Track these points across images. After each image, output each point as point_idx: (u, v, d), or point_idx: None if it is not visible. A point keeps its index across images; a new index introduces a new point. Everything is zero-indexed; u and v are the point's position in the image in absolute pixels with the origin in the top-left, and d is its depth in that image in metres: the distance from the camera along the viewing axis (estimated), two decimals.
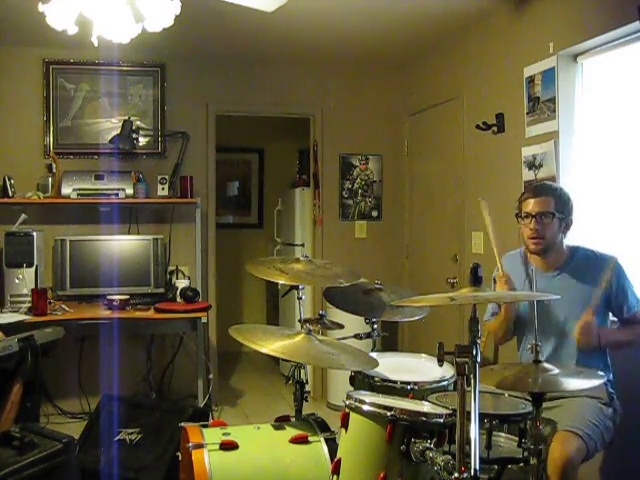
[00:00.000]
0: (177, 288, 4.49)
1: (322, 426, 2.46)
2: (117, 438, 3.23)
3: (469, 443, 1.70)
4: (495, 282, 2.75)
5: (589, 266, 2.65)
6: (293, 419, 2.59)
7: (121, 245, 4.65)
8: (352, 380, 2.77)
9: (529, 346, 2.18)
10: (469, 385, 1.75)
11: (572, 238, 2.85)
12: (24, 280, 4.21)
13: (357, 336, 3.06)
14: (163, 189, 4.69)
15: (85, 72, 4.78)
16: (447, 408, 2.08)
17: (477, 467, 1.67)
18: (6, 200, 4.39)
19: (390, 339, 4.63)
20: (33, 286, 4.05)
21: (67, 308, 4.16)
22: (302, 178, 5.95)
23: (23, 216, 4.32)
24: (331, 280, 2.86)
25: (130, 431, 3.25)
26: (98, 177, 4.56)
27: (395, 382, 2.55)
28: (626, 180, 3.17)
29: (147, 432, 3.24)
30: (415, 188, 5.19)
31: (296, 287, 2.83)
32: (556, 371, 2.09)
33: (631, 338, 2.61)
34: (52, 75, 4.72)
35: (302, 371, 2.70)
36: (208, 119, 5.03)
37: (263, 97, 5.13)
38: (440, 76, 4.74)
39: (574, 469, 2.24)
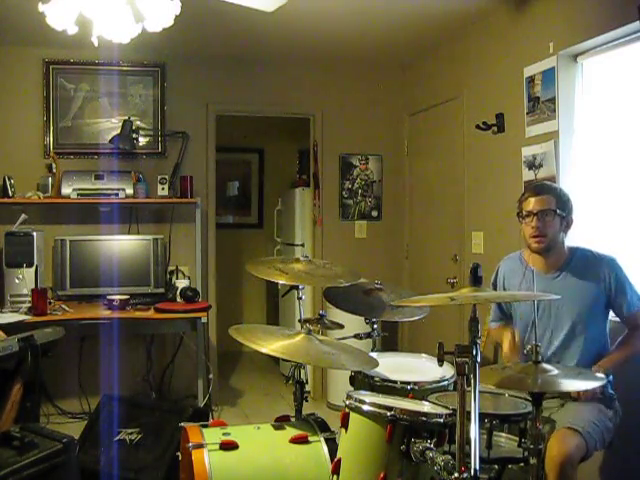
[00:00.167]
0: (177, 288, 4.49)
1: (322, 426, 2.46)
2: (117, 438, 3.23)
3: (469, 443, 1.70)
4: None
5: (588, 266, 2.65)
6: (293, 419, 2.59)
7: (121, 245, 4.65)
8: (352, 380, 2.78)
9: (529, 347, 2.18)
10: (469, 385, 1.75)
11: (572, 238, 2.85)
12: (24, 280, 4.21)
13: (357, 336, 3.07)
14: (163, 189, 4.69)
15: (85, 72, 4.78)
16: (447, 408, 2.08)
17: (477, 467, 1.67)
18: (6, 200, 4.39)
19: (390, 339, 4.63)
20: (33, 286, 4.05)
21: (67, 308, 4.16)
22: (302, 178, 5.96)
23: (23, 216, 4.32)
24: (331, 280, 2.86)
25: (130, 431, 3.25)
26: (98, 177, 4.56)
27: (395, 382, 2.55)
28: (626, 180, 3.17)
29: (147, 432, 3.23)
30: (415, 188, 5.19)
31: (296, 287, 2.83)
32: (556, 372, 2.09)
33: (632, 351, 2.61)
34: (52, 75, 4.72)
35: (302, 371, 2.70)
36: (208, 119, 5.03)
37: (263, 97, 5.13)
38: (440, 76, 4.74)
39: (573, 467, 2.23)
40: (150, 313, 4.20)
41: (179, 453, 2.47)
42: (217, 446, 2.27)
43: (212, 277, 5.05)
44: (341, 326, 3.15)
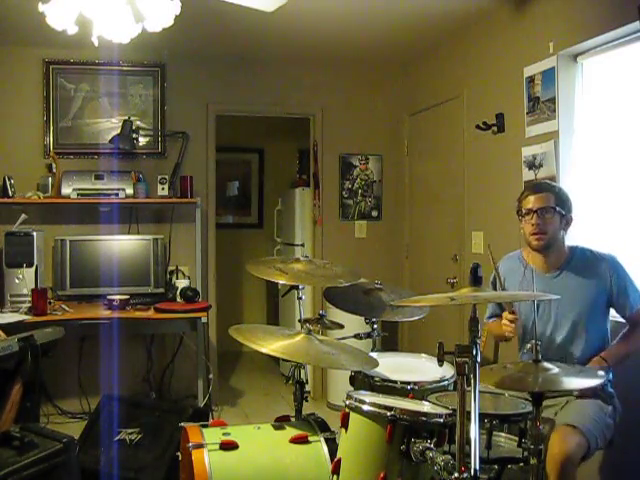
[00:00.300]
0: (177, 288, 4.49)
1: (322, 426, 2.46)
2: (117, 438, 3.23)
3: (469, 443, 1.69)
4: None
5: (588, 265, 2.65)
6: (293, 419, 2.59)
7: (121, 245, 4.65)
8: (352, 380, 2.78)
9: (529, 346, 2.18)
10: (469, 385, 1.75)
11: (572, 237, 2.85)
12: (24, 280, 4.21)
13: (357, 336, 3.06)
14: (163, 189, 4.69)
15: (85, 72, 4.78)
16: (447, 408, 2.08)
17: (477, 467, 1.67)
18: (6, 200, 4.39)
19: (390, 339, 4.63)
20: (33, 286, 4.05)
21: (67, 308, 4.16)
22: (302, 178, 5.96)
23: (23, 216, 4.32)
24: (331, 280, 2.86)
25: (130, 431, 3.25)
26: (98, 177, 4.56)
27: (395, 382, 2.55)
28: (626, 180, 3.17)
29: (147, 432, 3.23)
30: (415, 188, 5.19)
31: (296, 287, 2.83)
32: (556, 370, 2.09)
33: (635, 348, 2.61)
34: (52, 75, 4.72)
35: (302, 371, 2.70)
36: (208, 119, 5.03)
37: (263, 97, 5.13)
38: (440, 76, 4.74)
39: (574, 465, 2.23)
40: (150, 313, 4.20)
41: (179, 453, 2.47)
42: (217, 446, 2.27)
43: (212, 277, 5.05)
44: (341, 326, 3.15)
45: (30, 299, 4.05)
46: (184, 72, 4.97)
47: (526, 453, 2.02)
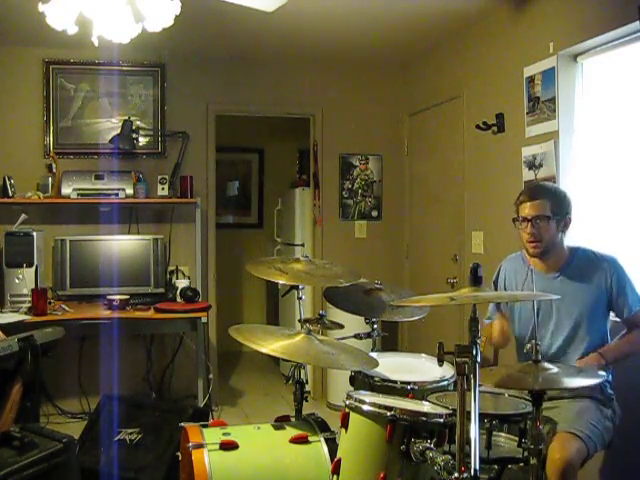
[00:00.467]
0: (177, 288, 4.49)
1: (322, 426, 2.46)
2: (117, 438, 3.23)
3: (469, 443, 1.70)
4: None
5: (589, 266, 2.65)
6: (293, 419, 2.59)
7: (121, 245, 4.65)
8: (352, 380, 2.78)
9: (529, 346, 2.18)
10: (469, 385, 1.75)
11: (572, 237, 2.85)
12: (24, 280, 4.21)
13: (357, 336, 3.06)
14: (163, 189, 4.69)
15: (85, 72, 4.78)
16: (447, 408, 2.08)
17: (477, 467, 1.67)
18: (6, 200, 4.39)
19: (390, 339, 4.62)
20: (33, 286, 4.05)
21: (67, 308, 4.16)
22: (302, 178, 5.96)
23: (23, 216, 4.32)
24: (331, 280, 2.86)
25: (130, 431, 3.25)
26: (98, 177, 4.56)
27: (395, 382, 2.55)
28: (626, 180, 3.17)
29: (147, 432, 3.23)
30: (415, 188, 5.19)
31: (296, 287, 2.83)
32: (556, 370, 2.09)
33: (634, 349, 2.61)
34: (52, 75, 4.72)
35: (302, 371, 2.69)
36: (208, 119, 5.03)
37: (263, 97, 5.13)
38: (440, 76, 4.74)
39: (574, 470, 2.23)
40: (150, 313, 4.20)
41: (179, 453, 2.47)
42: (217, 446, 2.27)
43: (212, 277, 5.05)
44: (341, 326, 3.15)
45: (30, 299, 4.05)
46: (184, 72, 4.97)
47: (526, 453, 2.02)
